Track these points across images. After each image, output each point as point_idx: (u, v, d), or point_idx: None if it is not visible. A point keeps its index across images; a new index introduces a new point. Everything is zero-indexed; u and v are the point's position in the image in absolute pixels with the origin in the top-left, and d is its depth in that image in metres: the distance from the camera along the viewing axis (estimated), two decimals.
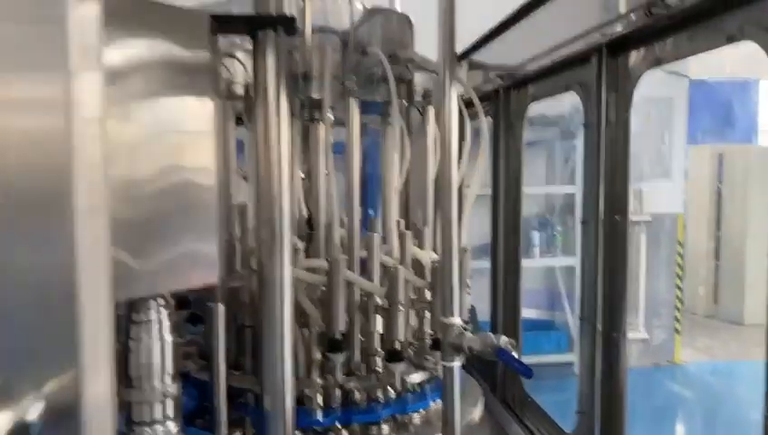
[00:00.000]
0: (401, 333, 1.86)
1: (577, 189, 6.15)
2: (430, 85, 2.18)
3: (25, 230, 0.89)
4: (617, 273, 1.99)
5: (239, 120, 2.12)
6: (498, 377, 2.84)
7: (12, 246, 0.88)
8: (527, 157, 2.86)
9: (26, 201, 0.90)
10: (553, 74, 2.40)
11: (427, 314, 2.02)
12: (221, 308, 1.63)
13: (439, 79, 1.65)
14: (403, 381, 1.91)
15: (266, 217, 1.48)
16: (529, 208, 2.90)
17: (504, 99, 2.85)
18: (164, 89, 1.25)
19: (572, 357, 5.81)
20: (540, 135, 5.85)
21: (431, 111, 2.17)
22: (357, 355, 1.91)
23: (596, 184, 2.00)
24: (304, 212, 2.16)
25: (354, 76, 1.91)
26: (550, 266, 6.51)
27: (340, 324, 1.81)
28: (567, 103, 4.98)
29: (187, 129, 1.31)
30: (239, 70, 1.95)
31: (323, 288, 1.90)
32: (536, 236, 6.29)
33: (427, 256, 2.04)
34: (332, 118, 1.99)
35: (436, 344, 1.98)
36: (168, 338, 1.36)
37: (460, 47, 2.08)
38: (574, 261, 6.11)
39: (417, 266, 2.02)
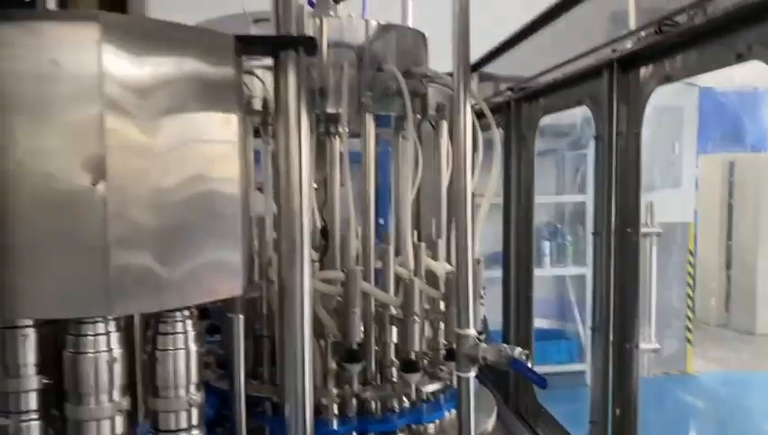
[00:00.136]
0: (416, 344, 1.89)
1: (587, 198, 6.16)
2: (442, 98, 2.22)
3: None
4: (628, 284, 2.01)
5: (256, 133, 2.17)
6: (511, 387, 2.86)
7: None
8: (537, 166, 2.89)
9: None
10: (565, 88, 2.43)
11: (442, 325, 2.05)
12: (241, 319, 1.68)
13: (454, 94, 1.70)
14: (418, 391, 1.94)
15: (287, 230, 1.52)
16: (539, 217, 2.92)
17: (516, 111, 2.88)
18: (193, 103, 1.31)
19: (583, 366, 5.80)
20: (550, 145, 5.87)
21: (444, 125, 2.21)
22: (372, 365, 1.95)
23: (608, 197, 2.03)
24: (318, 223, 2.20)
25: (370, 92, 1.96)
26: (560, 276, 6.51)
27: (357, 335, 1.84)
28: (578, 114, 5.00)
29: (214, 140, 1.36)
30: (257, 85, 2.00)
31: (339, 299, 1.95)
32: (547, 246, 6.29)
33: (441, 268, 2.07)
34: (347, 130, 2.03)
35: (451, 355, 2.01)
36: (194, 348, 1.40)
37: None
38: (585, 270, 6.11)
39: (431, 277, 2.06)
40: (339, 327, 1.92)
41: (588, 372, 5.52)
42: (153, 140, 1.24)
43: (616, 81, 1.99)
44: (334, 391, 1.90)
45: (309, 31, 1.65)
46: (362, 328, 1.89)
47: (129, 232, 1.22)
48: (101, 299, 1.20)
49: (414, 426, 1.94)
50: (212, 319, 2.13)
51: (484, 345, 1.67)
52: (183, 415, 1.39)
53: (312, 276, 1.75)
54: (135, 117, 1.22)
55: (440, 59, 2.18)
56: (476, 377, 1.73)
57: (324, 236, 2.20)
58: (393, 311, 1.95)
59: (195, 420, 1.41)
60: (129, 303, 1.24)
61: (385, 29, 2.06)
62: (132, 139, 1.22)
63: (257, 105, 2.01)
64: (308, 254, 1.53)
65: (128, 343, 1.37)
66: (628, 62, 1.95)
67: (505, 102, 2.94)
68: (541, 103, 2.71)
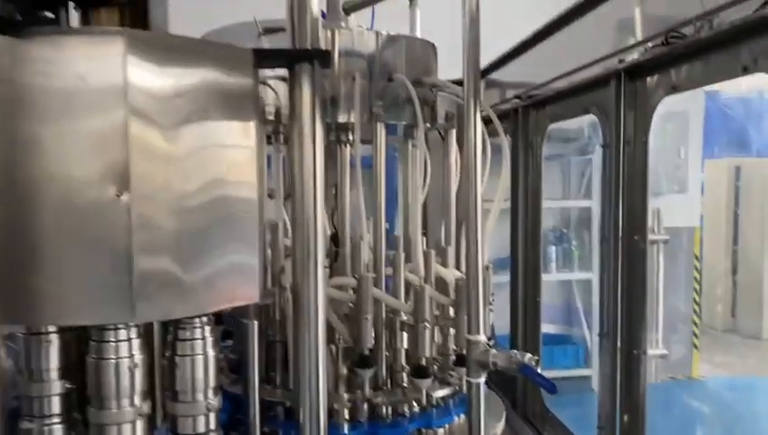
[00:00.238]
0: (427, 350, 1.92)
1: (593, 203, 6.17)
2: (449, 106, 2.25)
3: None
4: (636, 291, 2.04)
5: (267, 140, 2.21)
6: (518, 392, 2.89)
7: None
8: (543, 171, 2.93)
9: None
10: (572, 96, 2.47)
11: (451, 331, 2.08)
12: (255, 325, 1.71)
13: (463, 103, 1.73)
14: (428, 396, 1.97)
15: (301, 238, 1.54)
16: (545, 222, 2.96)
17: (523, 118, 2.92)
18: (213, 112, 1.36)
19: (589, 371, 5.81)
20: (556, 150, 5.89)
21: (453, 134, 2.24)
22: (383, 371, 1.98)
23: (615, 204, 2.06)
24: (329, 230, 2.23)
25: (381, 101, 1.99)
26: (566, 280, 6.52)
27: (369, 341, 1.87)
28: (585, 119, 5.02)
29: (234, 146, 1.41)
30: (270, 94, 2.04)
31: (351, 305, 1.98)
32: (553, 251, 6.31)
33: (451, 274, 2.10)
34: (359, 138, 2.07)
35: (460, 360, 2.04)
36: (212, 353, 1.43)
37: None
38: (591, 275, 6.12)
39: (441, 284, 2.09)
40: (350, 333, 1.95)
41: (594, 377, 5.54)
42: (175, 147, 1.28)
43: (623, 90, 2.02)
44: (345, 395, 1.93)
45: (321, 42, 1.69)
46: (373, 334, 1.92)
47: (152, 239, 1.25)
48: (125, 306, 1.23)
49: (424, 430, 1.97)
50: (224, 324, 2.17)
51: (494, 351, 1.70)
52: (201, 419, 1.42)
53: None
54: (158, 126, 1.26)
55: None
56: (485, 382, 1.76)
57: (335, 243, 2.24)
58: (404, 317, 1.98)
59: (212, 425, 1.44)
60: (152, 309, 1.27)
61: (395, 40, 2.10)
62: (155, 147, 1.26)
63: (270, 114, 2.05)
64: (322, 261, 1.56)
65: (147, 348, 1.40)
66: (636, 72, 1.98)
67: (513, 109, 2.97)
68: (548, 111, 2.74)
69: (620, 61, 1.99)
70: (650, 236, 2.03)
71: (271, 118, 2.04)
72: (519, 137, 2.93)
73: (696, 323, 6.75)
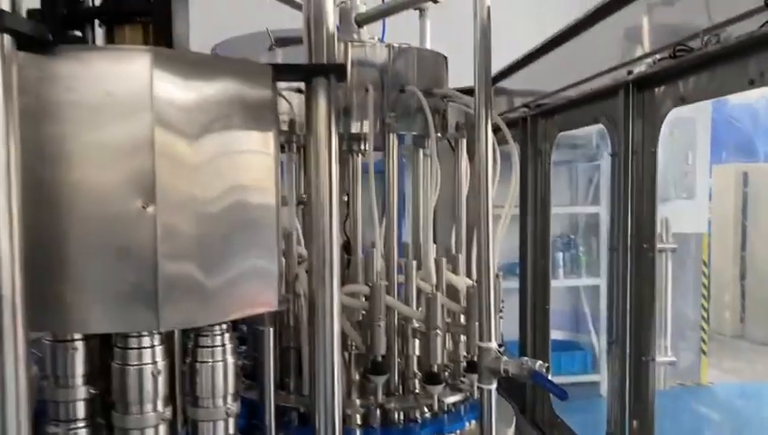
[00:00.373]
0: (439, 357, 1.95)
1: (601, 209, 6.19)
2: (459, 116, 2.29)
3: None
4: (645, 299, 2.07)
5: (281, 148, 2.25)
6: (527, 398, 2.91)
7: None
8: (551, 178, 2.96)
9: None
10: (581, 105, 2.50)
11: (462, 338, 2.11)
12: (271, 332, 1.75)
13: (474, 113, 1.77)
14: (440, 402, 2.00)
15: (317, 246, 1.58)
16: (553, 228, 2.98)
17: (532, 126, 2.95)
18: (235, 123, 1.41)
19: (597, 377, 5.81)
20: (564, 156, 5.91)
21: (463, 143, 2.28)
22: (396, 377, 2.01)
23: (624, 213, 2.09)
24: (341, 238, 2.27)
25: (393, 112, 2.03)
26: (574, 286, 6.53)
27: (382, 348, 1.91)
28: (593, 126, 5.04)
29: (254, 154, 1.47)
30: (284, 105, 2.08)
31: (363, 312, 2.02)
32: (560, 257, 6.32)
33: (462, 282, 2.13)
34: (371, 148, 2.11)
35: (471, 367, 2.07)
36: (231, 360, 1.47)
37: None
38: (599, 281, 6.13)
39: (452, 291, 2.12)
40: (363, 339, 1.99)
41: (602, 383, 5.55)
42: (199, 157, 1.33)
43: (632, 101, 2.05)
44: (358, 401, 1.97)
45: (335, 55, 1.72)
46: (385, 341, 1.95)
47: (176, 248, 1.30)
48: (150, 314, 1.27)
49: None
50: (237, 331, 2.21)
51: (505, 358, 1.73)
52: (221, 424, 1.46)
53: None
54: (183, 137, 1.30)
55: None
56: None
57: (347, 251, 2.27)
58: (416, 324, 2.01)
59: (231, 429, 1.48)
60: (176, 317, 1.31)
61: (406, 52, 2.14)
62: (180, 158, 1.30)
63: (284, 123, 2.09)
64: (337, 269, 1.60)
65: (168, 354, 1.44)
66: (644, 83, 2.01)
67: (522, 118, 3.00)
68: (557, 120, 2.77)
69: (629, 72, 2.02)
70: (659, 245, 2.06)
71: (285, 128, 2.08)
72: (528, 145, 2.96)
73: (704, 330, 6.74)
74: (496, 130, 2.21)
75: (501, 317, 2.17)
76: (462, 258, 2.22)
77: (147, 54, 1.25)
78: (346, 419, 1.91)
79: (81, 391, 1.40)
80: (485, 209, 1.74)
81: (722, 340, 8.56)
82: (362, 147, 2.17)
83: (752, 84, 1.50)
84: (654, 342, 2.06)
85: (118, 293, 1.27)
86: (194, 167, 1.32)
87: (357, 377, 2.04)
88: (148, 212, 1.25)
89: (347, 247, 2.28)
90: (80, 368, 1.39)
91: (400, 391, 2.02)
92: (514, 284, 3.23)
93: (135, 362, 1.36)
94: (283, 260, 2.07)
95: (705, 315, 6.82)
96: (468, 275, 2.19)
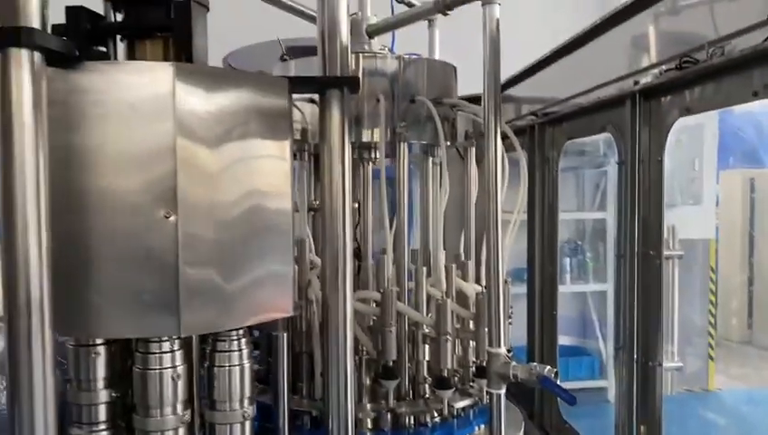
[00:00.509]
0: (448, 362, 1.99)
1: (608, 215, 6.20)
2: (468, 124, 2.33)
3: None
4: (652, 305, 2.10)
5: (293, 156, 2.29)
6: (535, 403, 2.94)
7: None
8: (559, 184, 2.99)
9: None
10: (588, 114, 2.53)
11: (472, 343, 2.14)
12: (285, 337, 1.79)
13: (483, 122, 1.81)
14: (449, 407, 2.04)
15: (330, 253, 1.62)
16: (560, 234, 3.01)
17: (540, 134, 2.99)
18: (253, 132, 1.46)
19: (605, 383, 5.82)
20: (571, 163, 5.93)
21: (472, 151, 2.31)
22: (406, 382, 2.04)
23: (631, 221, 2.12)
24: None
25: (404, 122, 2.07)
26: (581, 292, 6.53)
27: (393, 353, 1.95)
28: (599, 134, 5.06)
29: (271, 159, 1.52)
30: (296, 114, 2.13)
31: (374, 318, 2.05)
32: (567, 263, 6.33)
33: (471, 288, 2.17)
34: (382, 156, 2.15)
35: (480, 372, 2.11)
36: (247, 364, 1.51)
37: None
38: (606, 287, 6.13)
39: (461, 297, 2.16)
40: (374, 345, 2.02)
41: (609, 389, 5.55)
42: (219, 165, 1.38)
43: (639, 110, 2.08)
44: (368, 405, 2.00)
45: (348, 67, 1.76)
46: (396, 346, 1.99)
47: (197, 255, 1.34)
48: (172, 320, 1.32)
49: None
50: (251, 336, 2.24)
51: (514, 363, 1.76)
52: (237, 427, 1.50)
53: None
54: (204, 147, 1.35)
55: None
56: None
57: (357, 257, 2.31)
58: (426, 330, 2.05)
59: (248, 432, 1.52)
60: (196, 322, 1.36)
61: (416, 62, 2.18)
62: (201, 168, 1.35)
63: (297, 132, 2.14)
64: (350, 275, 1.64)
65: (187, 359, 1.48)
66: (650, 93, 2.05)
67: (529, 126, 3.04)
68: (564, 128, 2.81)
69: (636, 82, 2.06)
70: (665, 252, 2.09)
71: (297, 136, 2.13)
72: (535, 153, 3.00)
73: (712, 336, 6.73)
74: (504, 137, 2.25)
75: (510, 323, 2.20)
76: (471, 265, 2.26)
77: (169, 69, 1.30)
78: (357, 423, 1.93)
79: (103, 395, 1.44)
80: (494, 216, 1.78)
81: (729, 346, 8.54)
82: (373, 155, 2.21)
83: (755, 96, 1.53)
84: (661, 347, 2.09)
85: (140, 299, 1.31)
86: (213, 174, 1.37)
87: (368, 382, 2.07)
88: (170, 221, 1.29)
89: (357, 254, 2.32)
90: (102, 372, 1.44)
91: (411, 396, 2.06)
92: (522, 289, 3.26)
93: (156, 367, 1.41)
94: (296, 266, 2.11)
95: (713, 321, 6.81)
96: (477, 281, 2.23)
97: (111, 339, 1.45)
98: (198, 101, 1.34)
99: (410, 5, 2.38)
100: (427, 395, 2.07)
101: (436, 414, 2.04)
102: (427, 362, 2.07)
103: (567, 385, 1.76)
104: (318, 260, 2.10)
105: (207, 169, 1.36)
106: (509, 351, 1.92)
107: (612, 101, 2.27)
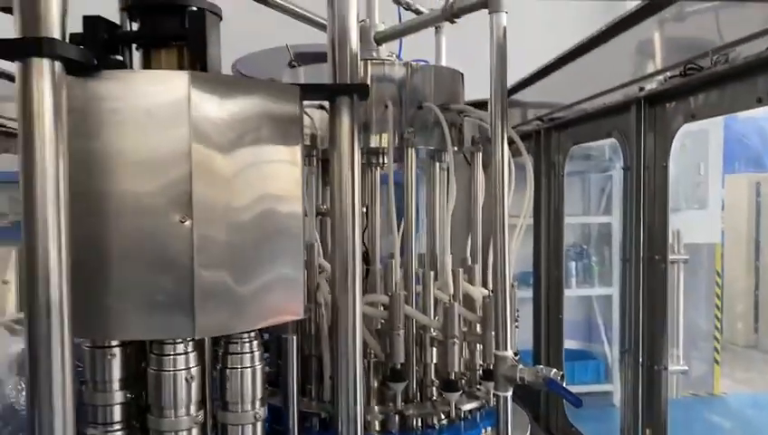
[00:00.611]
0: (456, 365, 2.01)
1: (613, 219, 6.21)
2: (474, 130, 2.35)
3: None
4: (657, 309, 2.12)
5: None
6: (541, 406, 2.96)
7: None
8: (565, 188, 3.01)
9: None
10: (594, 120, 2.56)
11: (478, 346, 2.16)
12: (294, 340, 1.81)
13: (490, 127, 1.83)
14: (457, 409, 2.06)
15: (340, 257, 1.65)
16: (566, 238, 3.04)
17: (546, 139, 3.01)
18: (266, 137, 1.49)
19: (610, 387, 5.82)
20: (576, 167, 5.95)
21: (479, 156, 2.34)
22: (414, 384, 2.07)
23: (636, 226, 2.14)
24: None
25: (411, 128, 2.10)
26: (586, 296, 6.55)
27: (401, 356, 1.97)
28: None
29: (282, 164, 1.55)
30: (306, 120, 2.16)
31: (382, 321, 2.08)
32: (573, 267, 6.35)
33: (478, 292, 2.19)
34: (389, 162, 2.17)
35: (487, 375, 2.13)
36: (259, 366, 1.54)
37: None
38: (611, 291, 6.15)
39: (468, 300, 2.18)
40: (382, 348, 2.05)
41: (615, 393, 5.56)
42: (233, 170, 1.41)
43: (644, 116, 2.11)
44: (377, 408, 2.03)
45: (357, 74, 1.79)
46: (404, 349, 2.01)
47: (212, 258, 1.37)
48: (186, 322, 1.35)
49: None
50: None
51: (521, 366, 1.78)
52: (249, 428, 1.53)
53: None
54: (218, 153, 1.38)
55: None
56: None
57: (365, 261, 2.34)
58: (433, 333, 2.07)
59: (259, 433, 1.55)
60: (210, 325, 1.39)
61: (424, 69, 2.21)
62: (216, 173, 1.38)
63: (306, 137, 2.17)
64: (359, 279, 1.66)
65: (200, 360, 1.51)
66: (655, 100, 2.07)
67: (535, 131, 3.06)
68: (570, 133, 2.83)
69: (641, 89, 2.08)
70: (670, 256, 2.11)
71: (306, 142, 2.16)
72: (541, 157, 3.02)
73: (717, 340, 6.73)
74: (510, 142, 2.27)
75: (516, 326, 2.23)
76: (478, 268, 2.28)
77: (185, 76, 1.34)
78: (365, 425, 1.95)
79: (119, 396, 1.47)
80: (501, 221, 1.80)
81: (735, 350, 8.52)
82: (381, 160, 2.24)
83: (759, 102, 1.55)
84: (666, 351, 2.11)
85: (156, 301, 1.34)
86: (227, 178, 1.40)
87: (376, 384, 2.10)
88: (185, 226, 1.33)
89: (366, 258, 2.35)
90: (117, 373, 1.47)
91: (418, 398, 2.08)
92: (528, 293, 3.28)
93: (170, 368, 1.44)
94: (305, 270, 2.14)
95: (719, 325, 6.81)
96: (484, 284, 2.25)
97: (127, 341, 1.48)
98: (213, 108, 1.37)
99: (418, 13, 2.41)
100: (435, 398, 2.09)
101: (443, 416, 2.06)
102: (435, 364, 2.10)
103: (573, 389, 1.78)
104: (326, 264, 2.13)
105: (221, 174, 1.39)
106: (516, 354, 1.95)
107: (618, 107, 2.29)
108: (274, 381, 2.04)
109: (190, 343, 1.46)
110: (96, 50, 1.37)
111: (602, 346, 6.36)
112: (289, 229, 1.53)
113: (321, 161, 2.29)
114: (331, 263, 1.70)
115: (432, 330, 2.07)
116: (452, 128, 2.19)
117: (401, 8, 2.48)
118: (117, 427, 1.47)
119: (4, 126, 2.96)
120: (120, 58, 1.49)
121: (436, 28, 2.64)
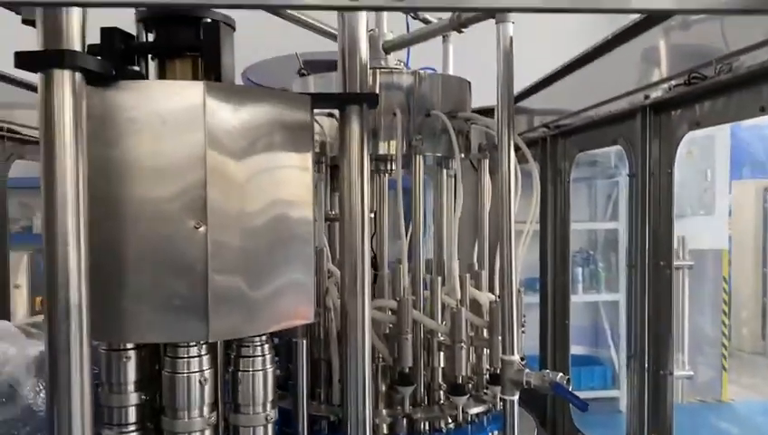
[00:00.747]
0: (463, 369, 2.03)
1: (620, 225, 6.22)
2: (481, 137, 2.38)
3: None
4: (662, 315, 2.14)
5: None
6: (547, 410, 2.97)
7: None
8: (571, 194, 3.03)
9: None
10: (599, 127, 2.58)
11: (485, 351, 2.19)
12: (304, 344, 1.85)
13: (497, 134, 1.86)
14: (464, 413, 2.08)
15: (349, 263, 1.68)
16: (572, 244, 3.06)
17: (552, 146, 3.04)
18: (279, 142, 1.53)
19: (617, 392, 5.82)
20: (583, 173, 5.97)
21: (485, 163, 2.37)
22: (421, 388, 2.09)
23: (642, 232, 2.16)
24: None
25: (419, 135, 2.13)
26: (593, 302, 6.55)
27: (409, 360, 2.00)
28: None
29: (294, 170, 1.58)
30: (315, 128, 2.19)
31: (390, 326, 2.11)
32: (579, 273, 6.35)
33: (485, 297, 2.22)
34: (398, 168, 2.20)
35: (494, 379, 2.15)
36: (270, 369, 1.57)
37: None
38: (618, 296, 6.14)
39: (475, 305, 2.21)
40: (390, 352, 2.08)
41: (621, 399, 5.55)
42: (246, 176, 1.45)
43: (649, 124, 2.13)
44: (384, 411, 2.05)
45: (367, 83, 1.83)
46: (412, 353, 2.04)
47: (226, 262, 1.41)
48: (200, 325, 1.38)
49: None
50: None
51: (527, 370, 1.81)
52: (260, 430, 1.56)
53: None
54: (232, 160, 1.42)
55: None
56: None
57: (373, 266, 2.37)
58: (441, 337, 2.10)
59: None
60: (224, 328, 1.42)
61: (432, 77, 2.24)
62: (230, 179, 1.42)
63: (315, 144, 2.20)
64: (368, 284, 1.69)
65: (213, 363, 1.54)
66: (661, 107, 2.10)
67: (542, 138, 3.09)
68: (576, 140, 2.86)
69: (646, 97, 2.11)
70: (676, 262, 2.13)
71: (316, 149, 2.19)
72: (548, 164, 3.05)
73: (725, 346, 6.71)
74: (517, 149, 2.30)
75: (523, 332, 2.25)
76: (485, 274, 2.31)
77: (200, 86, 1.37)
78: (374, 428, 1.98)
79: (133, 398, 1.50)
80: (508, 227, 1.83)
81: (742, 356, 8.49)
82: (389, 166, 2.28)
83: (762, 111, 1.58)
84: (672, 356, 2.13)
85: (171, 305, 1.37)
86: (241, 184, 1.44)
87: (384, 388, 2.12)
88: (200, 231, 1.36)
89: (374, 263, 2.37)
90: (132, 375, 1.50)
91: (426, 402, 2.11)
92: (535, 299, 3.30)
93: (184, 371, 1.47)
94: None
95: (726, 331, 6.79)
96: (491, 290, 2.28)
97: (142, 344, 1.51)
98: (227, 116, 1.41)
99: (426, 22, 2.45)
100: (442, 401, 2.12)
101: (450, 420, 2.09)
102: (442, 369, 2.12)
103: (579, 395, 1.80)
104: (335, 269, 2.16)
105: (235, 180, 1.42)
106: (522, 359, 1.97)
107: (623, 115, 2.32)
108: (284, 384, 2.07)
109: (204, 346, 1.49)
110: (113, 60, 1.41)
111: (609, 352, 6.35)
112: (300, 234, 1.56)
113: (329, 168, 2.33)
114: (340, 268, 1.73)
115: (439, 334, 2.10)
116: (459, 135, 2.22)
117: (409, 18, 2.51)
118: (132, 428, 1.50)
119: (17, 132, 3.01)
120: (136, 69, 1.54)
121: (443, 37, 2.68)
